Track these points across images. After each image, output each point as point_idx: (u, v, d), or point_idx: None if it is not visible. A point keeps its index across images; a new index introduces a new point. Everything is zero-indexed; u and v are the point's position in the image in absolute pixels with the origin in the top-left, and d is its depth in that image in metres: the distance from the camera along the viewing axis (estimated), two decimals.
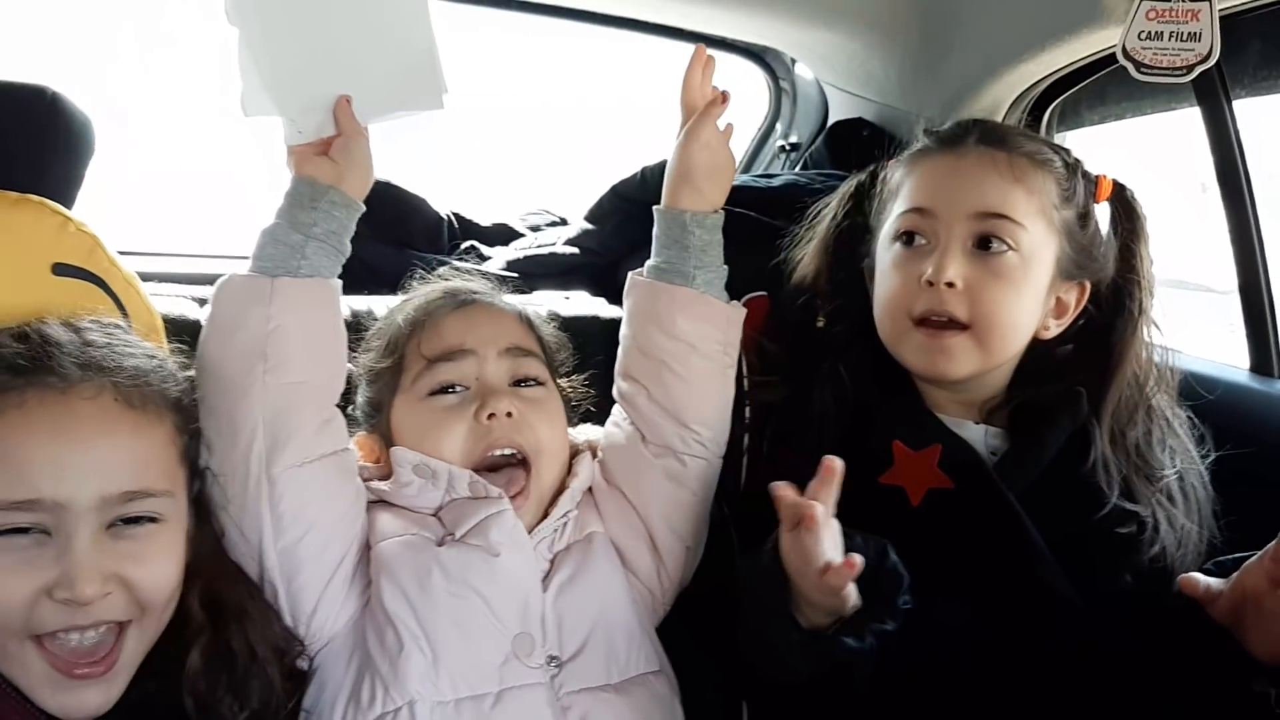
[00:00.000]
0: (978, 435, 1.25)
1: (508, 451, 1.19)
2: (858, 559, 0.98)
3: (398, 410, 1.23)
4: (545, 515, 1.20)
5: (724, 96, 1.24)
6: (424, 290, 1.32)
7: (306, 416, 1.10)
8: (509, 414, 1.18)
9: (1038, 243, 1.21)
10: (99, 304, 1.10)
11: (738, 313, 1.27)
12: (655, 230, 1.27)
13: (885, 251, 1.27)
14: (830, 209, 1.40)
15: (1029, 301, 1.22)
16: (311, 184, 1.12)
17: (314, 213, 1.11)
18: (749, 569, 1.10)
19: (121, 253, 1.16)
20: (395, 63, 1.17)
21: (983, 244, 1.20)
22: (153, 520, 0.96)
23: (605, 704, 1.11)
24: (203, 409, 1.07)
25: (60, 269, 1.09)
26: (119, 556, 0.92)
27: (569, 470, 1.25)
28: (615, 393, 1.29)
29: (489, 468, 1.19)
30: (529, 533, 1.17)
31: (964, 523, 1.17)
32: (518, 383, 1.23)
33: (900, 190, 1.27)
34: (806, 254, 1.41)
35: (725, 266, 1.28)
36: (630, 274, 1.29)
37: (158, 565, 0.95)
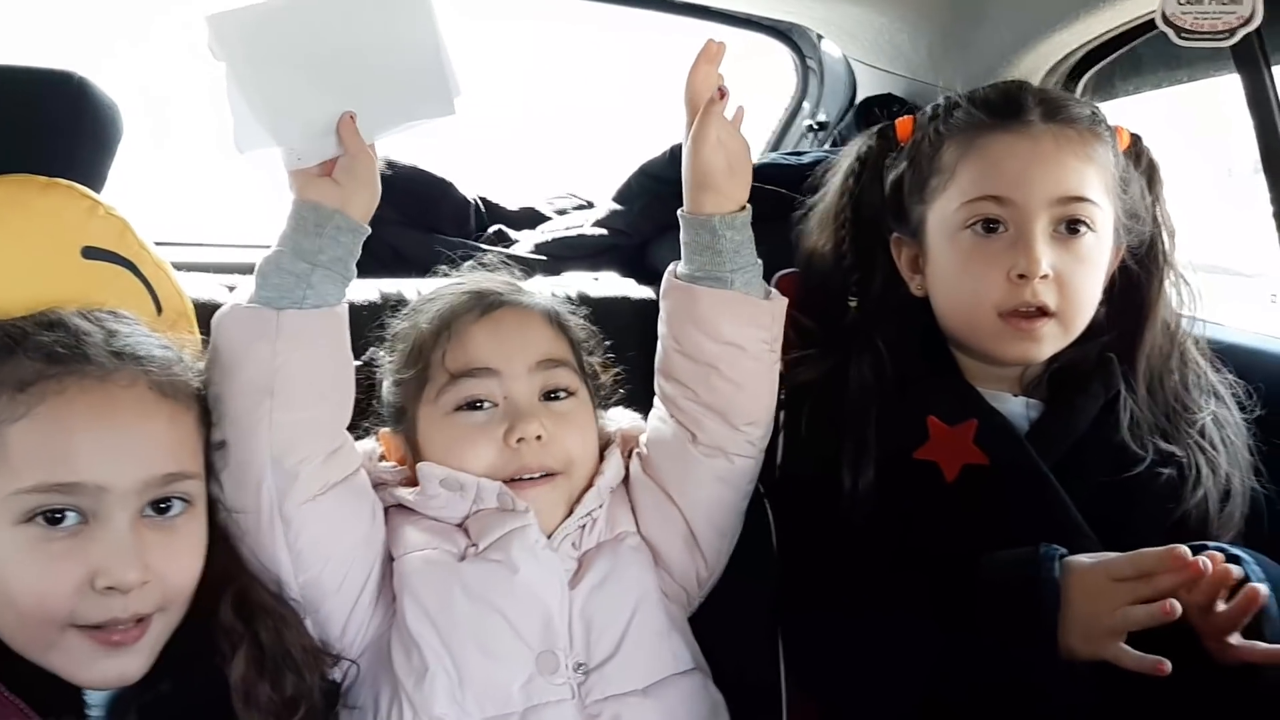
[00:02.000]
0: (1018, 408, 1.24)
1: (538, 475, 1.16)
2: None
3: (423, 421, 1.18)
4: (570, 511, 1.18)
5: (722, 92, 1.15)
6: (448, 291, 1.25)
7: (316, 449, 1.06)
8: (538, 436, 1.14)
9: (1107, 217, 1.20)
10: (129, 287, 1.10)
11: (780, 305, 1.20)
12: (683, 236, 1.19)
13: (948, 238, 1.23)
14: (839, 177, 1.37)
15: (1101, 277, 1.22)
16: (316, 209, 1.06)
17: (319, 239, 1.05)
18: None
19: (156, 243, 1.16)
20: (399, 71, 1.09)
21: (1068, 228, 1.18)
22: (185, 502, 0.96)
23: (634, 709, 1.09)
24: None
25: (90, 252, 1.09)
26: (153, 547, 0.92)
27: (596, 468, 1.22)
28: (657, 390, 1.25)
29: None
30: (553, 531, 1.15)
31: (999, 498, 1.16)
32: (548, 394, 1.18)
33: (958, 171, 1.22)
34: (815, 223, 1.38)
35: (759, 261, 1.20)
36: (666, 275, 1.22)
37: (186, 556, 0.96)
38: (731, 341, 1.16)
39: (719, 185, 1.16)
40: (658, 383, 1.25)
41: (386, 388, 1.24)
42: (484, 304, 1.20)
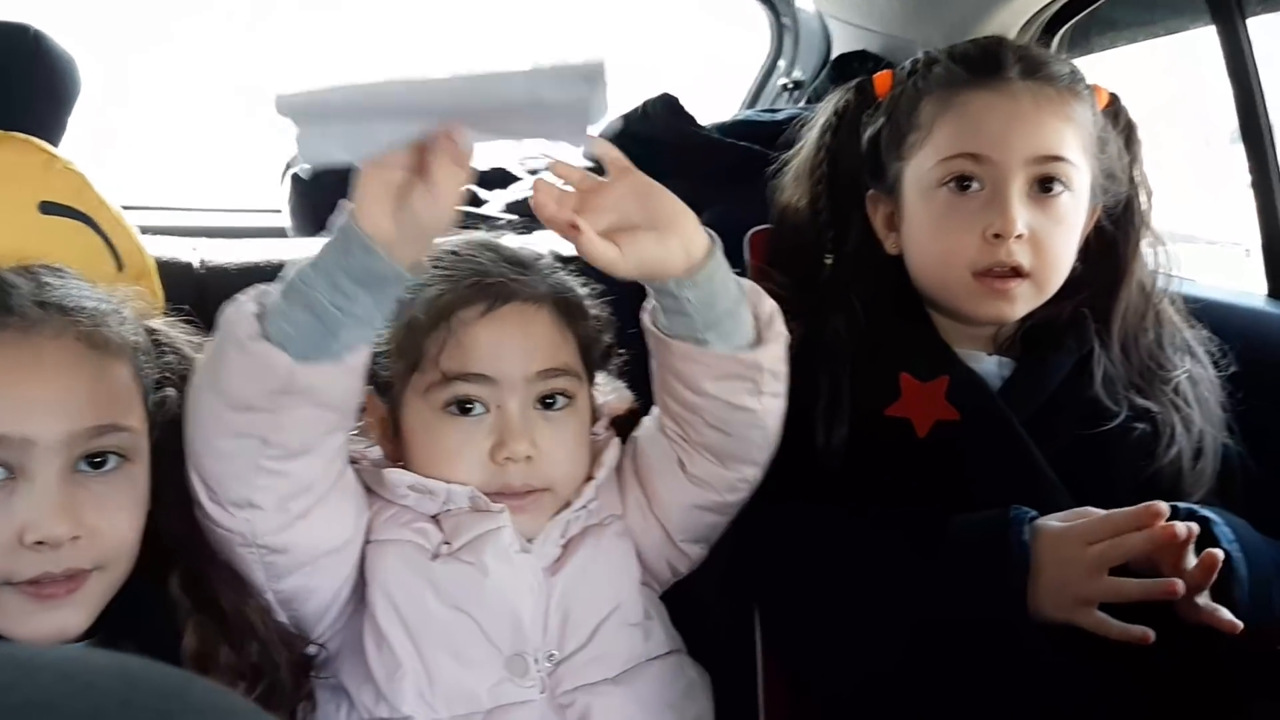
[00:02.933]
0: (992, 366, 1.23)
1: (522, 493, 1.08)
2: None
3: (409, 409, 1.09)
4: (565, 505, 1.11)
5: (575, 226, 0.94)
6: (448, 272, 1.08)
7: (308, 481, 0.97)
8: (528, 456, 1.06)
9: (1084, 176, 1.19)
10: (89, 243, 1.08)
11: (773, 350, 1.05)
12: (648, 299, 1.04)
13: (924, 196, 1.21)
14: (816, 132, 1.35)
15: (1077, 237, 1.21)
16: (367, 249, 0.86)
17: (360, 288, 0.88)
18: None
19: (124, 207, 1.13)
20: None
21: (1043, 187, 1.17)
22: (120, 456, 0.94)
23: (604, 697, 1.06)
24: (187, 451, 0.96)
25: (48, 207, 1.07)
26: (85, 502, 0.90)
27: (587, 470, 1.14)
28: (654, 411, 1.16)
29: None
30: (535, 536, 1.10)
31: (970, 453, 1.15)
32: (544, 399, 1.09)
33: (935, 128, 1.21)
34: (790, 178, 1.36)
35: (739, 298, 1.03)
36: (642, 315, 1.07)
37: (121, 511, 0.93)
38: (715, 395, 1.04)
39: (653, 269, 0.98)
40: (655, 408, 1.15)
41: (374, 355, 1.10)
42: (488, 299, 1.06)
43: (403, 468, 1.10)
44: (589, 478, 1.13)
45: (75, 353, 0.92)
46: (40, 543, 0.87)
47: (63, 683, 0.31)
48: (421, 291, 1.06)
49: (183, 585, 0.98)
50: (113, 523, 0.92)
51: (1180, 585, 0.96)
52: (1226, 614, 0.99)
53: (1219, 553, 0.98)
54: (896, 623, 1.08)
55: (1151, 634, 0.97)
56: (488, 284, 1.07)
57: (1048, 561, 1.02)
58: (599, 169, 1.00)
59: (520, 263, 1.11)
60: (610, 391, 1.23)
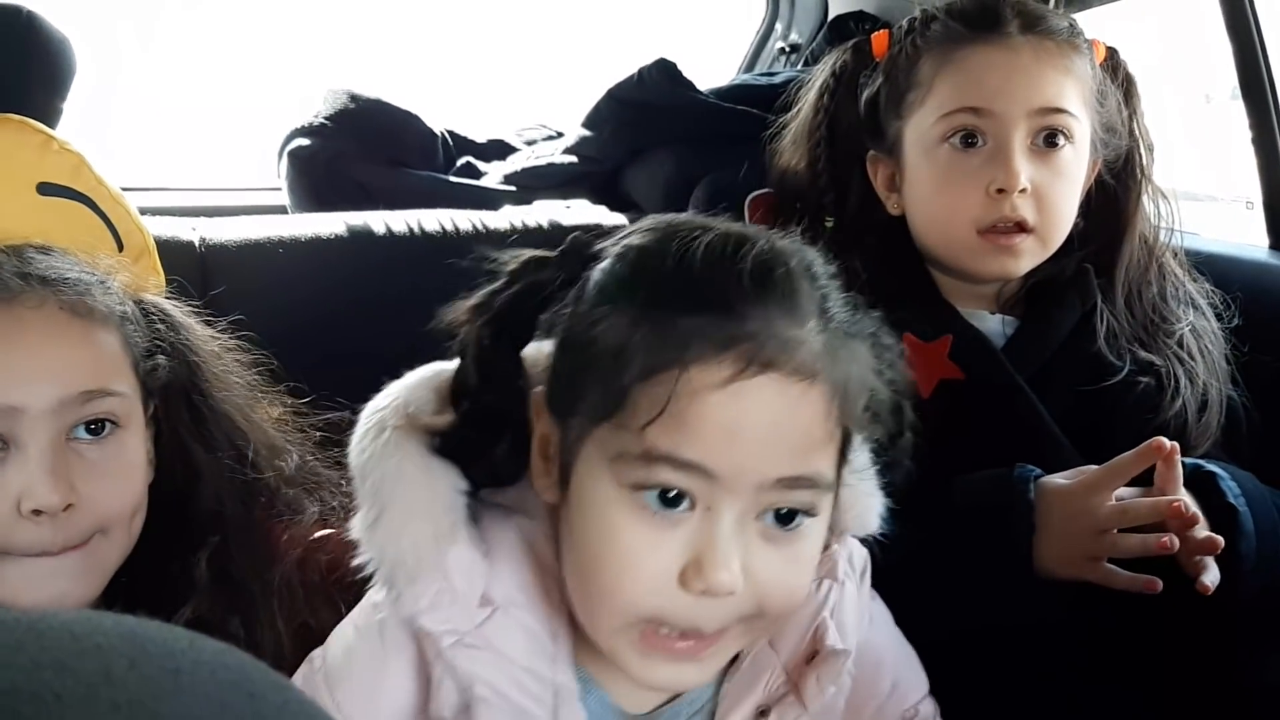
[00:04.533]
0: (995, 325, 1.23)
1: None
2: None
3: (583, 465, 0.73)
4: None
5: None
6: (679, 296, 0.70)
7: None
8: (729, 592, 0.71)
9: (1084, 130, 1.19)
10: (88, 223, 1.08)
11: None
12: None
13: (926, 154, 1.21)
14: (814, 94, 1.34)
15: (1079, 190, 1.21)
16: None
17: None
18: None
19: (123, 189, 1.13)
20: None
21: (1046, 140, 1.16)
22: (114, 424, 0.94)
23: None
24: None
25: (46, 188, 1.06)
26: (79, 468, 0.91)
27: None
28: None
29: None
30: None
31: (975, 412, 1.15)
32: (777, 513, 0.72)
33: (936, 84, 1.20)
34: (789, 141, 1.36)
35: None
36: None
37: (115, 476, 0.93)
38: None
39: None
40: None
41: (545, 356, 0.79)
42: (739, 364, 0.68)
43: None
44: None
45: (59, 321, 0.92)
46: (37, 511, 0.88)
47: (70, 643, 0.31)
48: (645, 323, 0.70)
49: (210, 560, 0.98)
50: (108, 489, 0.92)
51: (1174, 541, 0.96)
52: (1210, 576, 0.99)
53: (1219, 538, 0.99)
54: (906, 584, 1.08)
55: (1159, 583, 0.98)
56: (742, 338, 0.69)
57: (1054, 519, 1.03)
58: None
59: (791, 300, 0.71)
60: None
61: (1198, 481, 1.05)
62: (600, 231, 0.80)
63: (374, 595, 0.80)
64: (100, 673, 0.31)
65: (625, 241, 0.75)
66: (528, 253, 0.79)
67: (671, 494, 0.70)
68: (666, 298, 0.70)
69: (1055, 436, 1.14)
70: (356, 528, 0.78)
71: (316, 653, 0.82)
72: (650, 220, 0.77)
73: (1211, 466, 1.06)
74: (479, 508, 0.79)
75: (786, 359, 0.69)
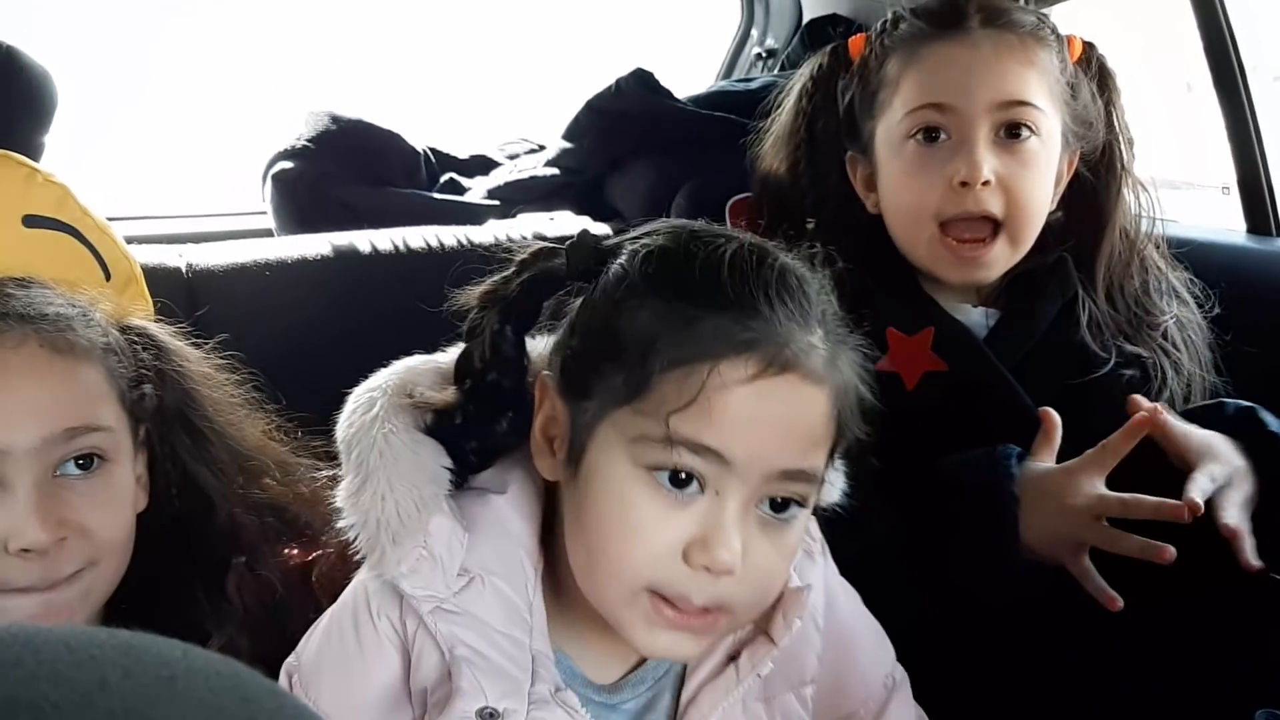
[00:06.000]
0: (978, 318, 1.24)
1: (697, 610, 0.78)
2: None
3: (597, 443, 0.77)
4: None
5: None
6: (714, 293, 0.75)
7: None
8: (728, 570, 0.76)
9: (1052, 122, 1.20)
10: (74, 254, 1.08)
11: None
12: None
13: (894, 151, 1.22)
14: (793, 98, 1.35)
15: (1049, 184, 1.21)
16: None
17: None
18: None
19: (109, 219, 1.14)
20: None
21: (1009, 132, 1.17)
22: (101, 458, 0.94)
23: None
24: None
25: (31, 220, 1.07)
26: (69, 502, 0.91)
27: None
28: None
29: None
30: None
31: (960, 403, 1.16)
32: (774, 502, 0.78)
33: (901, 82, 1.22)
34: (769, 145, 1.37)
35: None
36: None
37: (105, 508, 0.94)
38: None
39: None
40: None
41: (561, 346, 0.83)
42: (762, 363, 0.74)
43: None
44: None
45: (40, 359, 0.92)
46: (25, 550, 0.88)
47: (66, 654, 0.32)
48: (661, 291, 0.77)
49: (240, 585, 0.98)
50: (99, 521, 0.93)
51: (1171, 553, 0.97)
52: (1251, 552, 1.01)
53: (1240, 528, 1.01)
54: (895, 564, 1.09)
55: (1120, 602, 1.00)
56: (764, 341, 0.75)
57: (1038, 496, 1.04)
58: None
59: (805, 310, 0.78)
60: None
61: (1238, 422, 1.08)
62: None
63: (346, 593, 0.84)
64: (96, 682, 0.31)
65: (645, 241, 0.80)
66: (539, 243, 0.85)
67: (683, 476, 0.75)
68: (695, 297, 0.75)
69: (1038, 423, 1.15)
70: (340, 496, 0.81)
71: (290, 660, 0.86)
72: (663, 223, 0.83)
73: (1247, 405, 1.09)
74: (457, 489, 0.83)
75: (802, 362, 0.75)
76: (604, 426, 0.77)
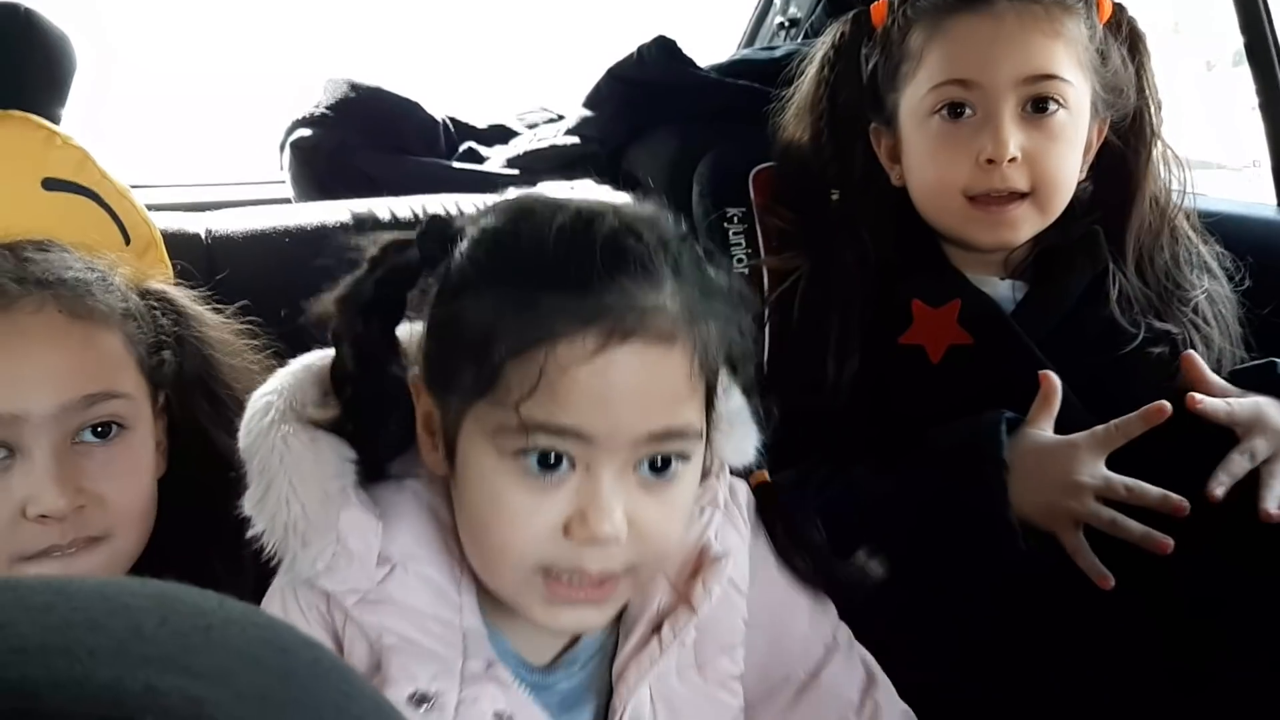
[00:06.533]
0: (1005, 291, 1.23)
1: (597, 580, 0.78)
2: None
3: (466, 438, 0.76)
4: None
5: None
6: (539, 268, 0.73)
7: None
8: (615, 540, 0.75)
9: (1080, 93, 1.18)
10: (94, 217, 1.08)
11: None
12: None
13: (918, 125, 1.21)
14: (815, 67, 1.33)
15: (1078, 154, 1.20)
16: None
17: None
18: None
19: (132, 186, 1.13)
20: None
21: (1036, 107, 1.16)
22: (120, 426, 0.94)
23: None
24: None
25: (51, 183, 1.07)
26: (87, 470, 0.91)
27: None
28: None
29: None
30: None
31: (985, 376, 1.15)
32: (652, 464, 0.76)
33: (925, 56, 1.20)
34: (791, 115, 1.35)
35: None
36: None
37: (124, 477, 0.94)
38: None
39: None
40: None
41: (417, 337, 0.82)
42: (602, 335, 0.72)
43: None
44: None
45: (58, 325, 0.92)
46: (44, 516, 0.88)
47: (101, 602, 0.32)
48: (498, 287, 0.74)
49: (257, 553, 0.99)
50: (118, 489, 0.93)
51: (1169, 545, 0.98)
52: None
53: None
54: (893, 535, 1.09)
55: (1111, 580, 1.01)
56: (602, 312, 0.72)
57: (1029, 461, 1.05)
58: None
59: (648, 269, 0.73)
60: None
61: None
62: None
63: (271, 600, 0.82)
64: (131, 629, 0.31)
65: (480, 224, 0.77)
66: (386, 237, 0.81)
67: (551, 457, 0.74)
68: (526, 278, 0.72)
69: (1067, 400, 1.14)
70: (247, 505, 0.79)
71: None
72: (503, 200, 0.80)
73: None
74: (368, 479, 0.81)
75: (646, 327, 0.72)
76: (467, 421, 0.76)
